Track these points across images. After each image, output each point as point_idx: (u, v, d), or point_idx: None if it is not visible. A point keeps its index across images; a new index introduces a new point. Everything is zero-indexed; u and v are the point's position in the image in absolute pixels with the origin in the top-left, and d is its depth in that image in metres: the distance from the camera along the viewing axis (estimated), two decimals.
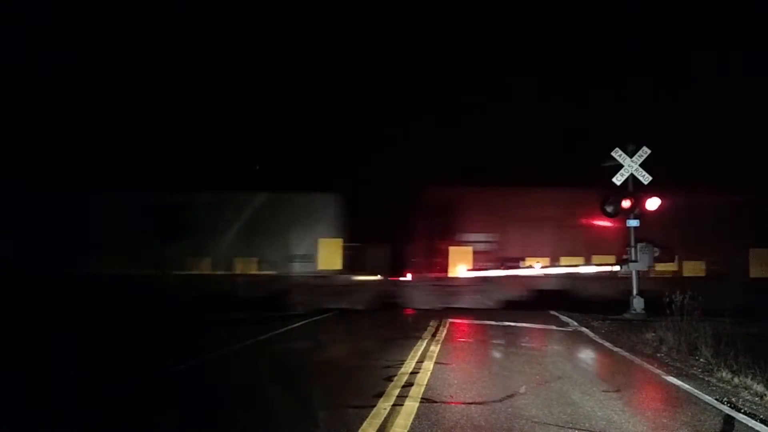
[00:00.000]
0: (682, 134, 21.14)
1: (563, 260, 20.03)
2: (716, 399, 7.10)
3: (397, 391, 7.10)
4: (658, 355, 10.41)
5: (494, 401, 6.82)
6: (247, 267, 19.66)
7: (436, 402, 6.69)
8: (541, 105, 23.75)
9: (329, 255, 20.01)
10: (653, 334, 11.74)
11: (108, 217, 19.49)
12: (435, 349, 10.44)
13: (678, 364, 9.48)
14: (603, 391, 7.50)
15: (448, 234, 20.77)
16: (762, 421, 6.18)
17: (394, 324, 15.01)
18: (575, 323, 14.91)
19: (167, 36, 22.76)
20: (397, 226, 20.34)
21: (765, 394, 7.28)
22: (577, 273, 19.47)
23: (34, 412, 6.44)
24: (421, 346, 10.73)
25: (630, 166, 17.08)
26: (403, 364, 8.92)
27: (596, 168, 17.77)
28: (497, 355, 10.49)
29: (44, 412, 6.45)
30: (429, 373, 8.23)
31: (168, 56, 23.44)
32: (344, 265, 20.20)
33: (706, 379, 8.37)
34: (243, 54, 23.80)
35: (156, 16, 22.18)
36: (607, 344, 11.71)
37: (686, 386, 7.82)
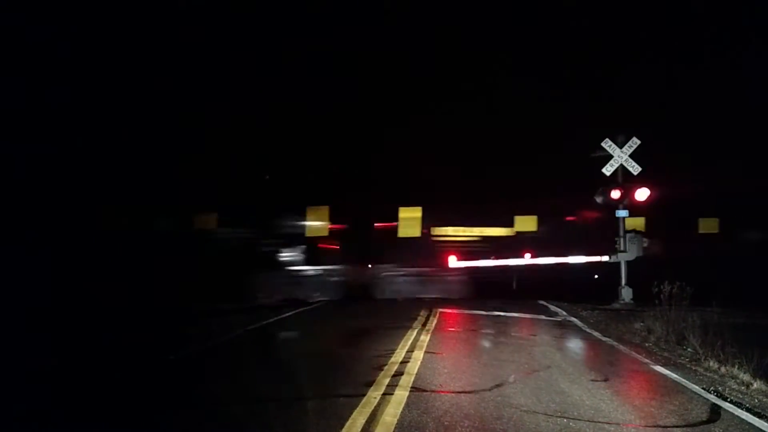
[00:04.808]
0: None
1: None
2: (703, 388, 7.17)
3: (387, 380, 7.11)
4: (646, 344, 10.49)
5: (484, 390, 6.85)
6: None
7: (426, 391, 6.70)
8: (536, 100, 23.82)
9: None
10: (641, 324, 11.83)
11: None
12: (425, 338, 10.46)
13: (666, 354, 9.56)
14: (591, 380, 7.55)
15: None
16: (748, 410, 6.25)
17: (384, 313, 15.02)
18: (564, 313, 15.00)
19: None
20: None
21: (751, 384, 7.36)
22: (566, 263, 19.56)
23: None
24: (411, 335, 10.75)
25: (620, 156, 17.14)
26: (393, 353, 8.93)
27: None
28: (487, 344, 10.53)
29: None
30: (419, 363, 8.24)
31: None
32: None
33: (694, 368, 8.45)
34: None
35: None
36: (595, 334, 11.78)
37: (674, 375, 7.89)
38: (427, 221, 21.34)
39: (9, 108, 16.91)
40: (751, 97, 21.37)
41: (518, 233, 21.39)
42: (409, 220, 21.00)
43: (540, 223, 21.47)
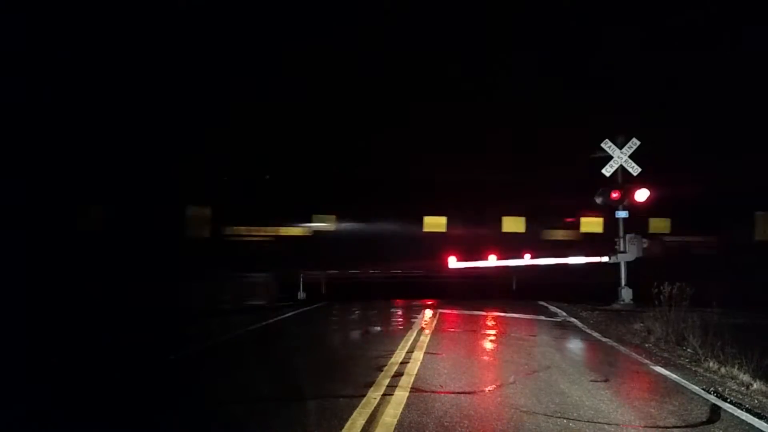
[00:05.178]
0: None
1: None
2: (703, 389, 7.16)
3: (387, 381, 7.11)
4: (646, 345, 10.48)
5: (483, 391, 6.85)
6: None
7: (426, 391, 6.70)
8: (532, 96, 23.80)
9: None
10: (641, 325, 11.82)
11: None
12: (425, 339, 10.46)
13: (666, 354, 9.55)
14: (591, 380, 7.54)
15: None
16: (748, 411, 6.25)
17: (384, 314, 15.04)
18: (564, 313, 15.00)
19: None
20: None
21: (751, 384, 7.35)
22: (566, 264, 19.55)
23: None
24: (411, 336, 10.75)
25: (619, 157, 17.15)
26: (393, 354, 8.94)
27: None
28: (487, 345, 10.53)
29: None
30: (419, 363, 8.25)
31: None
32: None
33: (694, 369, 8.44)
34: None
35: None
36: (595, 334, 11.78)
37: (673, 376, 7.89)
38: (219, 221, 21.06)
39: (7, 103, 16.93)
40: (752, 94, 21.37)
41: (315, 232, 21.38)
42: (197, 220, 20.91)
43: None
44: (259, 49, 23.01)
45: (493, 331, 11.98)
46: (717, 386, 7.29)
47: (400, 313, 15.23)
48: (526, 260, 20.01)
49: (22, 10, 17.60)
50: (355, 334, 11.50)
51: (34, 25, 18.21)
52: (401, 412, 5.82)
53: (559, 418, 5.79)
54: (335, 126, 23.50)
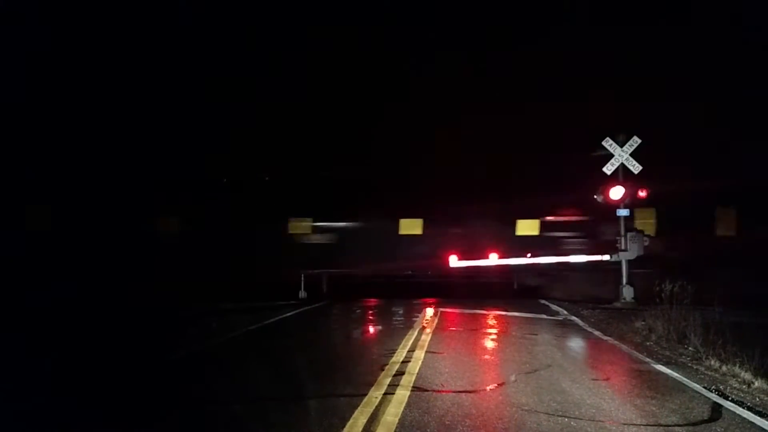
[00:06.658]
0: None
1: None
2: (704, 387, 7.16)
3: (388, 380, 7.11)
4: (648, 343, 10.47)
5: (485, 389, 6.85)
6: None
7: (427, 390, 6.70)
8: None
9: None
10: (642, 323, 11.80)
11: None
12: (426, 338, 10.46)
13: (667, 353, 9.55)
14: (592, 379, 7.54)
15: None
16: (749, 409, 6.24)
17: (385, 313, 15.04)
18: (565, 312, 14.99)
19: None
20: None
21: (752, 382, 7.35)
22: (567, 262, 19.54)
23: None
24: (413, 335, 10.75)
25: (620, 155, 17.12)
26: (394, 353, 8.94)
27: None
28: (488, 343, 10.53)
29: None
30: (420, 362, 8.25)
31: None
32: None
33: (695, 367, 8.43)
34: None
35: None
36: (596, 333, 11.78)
37: (675, 374, 7.89)
38: None
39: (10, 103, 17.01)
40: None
41: None
42: None
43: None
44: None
45: (494, 330, 11.98)
46: (718, 384, 7.29)
47: (401, 312, 15.22)
48: (527, 259, 20.01)
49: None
50: (356, 334, 11.51)
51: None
52: (402, 411, 5.82)
53: (561, 416, 5.78)
54: (335, 126, 23.60)
